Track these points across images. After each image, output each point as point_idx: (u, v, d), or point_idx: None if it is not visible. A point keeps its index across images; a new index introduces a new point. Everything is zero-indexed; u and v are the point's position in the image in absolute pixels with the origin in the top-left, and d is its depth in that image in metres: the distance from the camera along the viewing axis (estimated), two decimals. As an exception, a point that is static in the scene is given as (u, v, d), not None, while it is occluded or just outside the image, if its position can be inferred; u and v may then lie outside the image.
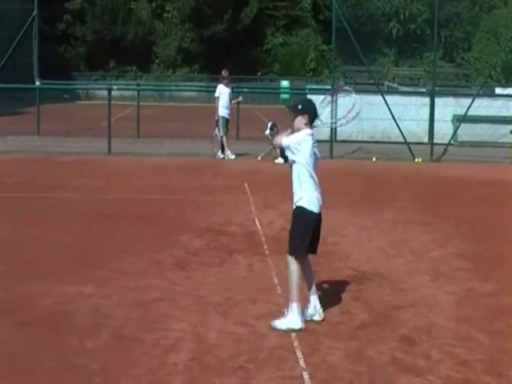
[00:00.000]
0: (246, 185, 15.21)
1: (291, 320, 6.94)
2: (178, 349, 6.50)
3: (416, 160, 20.39)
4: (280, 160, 18.93)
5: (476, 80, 44.29)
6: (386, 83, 36.55)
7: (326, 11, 50.91)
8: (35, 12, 22.54)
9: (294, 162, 7.07)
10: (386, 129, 22.82)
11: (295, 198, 7.13)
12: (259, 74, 53.15)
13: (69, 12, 52.49)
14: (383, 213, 12.73)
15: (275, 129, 19.23)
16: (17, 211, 12.36)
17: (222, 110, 19.73)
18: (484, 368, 6.25)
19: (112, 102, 20.94)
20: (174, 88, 47.50)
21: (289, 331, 6.87)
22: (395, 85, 35.97)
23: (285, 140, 7.12)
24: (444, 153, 20.88)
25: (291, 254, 7.05)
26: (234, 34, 52.06)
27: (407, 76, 42.61)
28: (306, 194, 7.06)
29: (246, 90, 32.85)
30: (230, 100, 20.05)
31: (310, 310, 7.24)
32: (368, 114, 23.43)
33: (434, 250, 10.32)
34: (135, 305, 7.63)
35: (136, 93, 29.57)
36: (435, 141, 21.42)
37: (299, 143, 7.02)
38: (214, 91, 20.31)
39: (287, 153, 7.17)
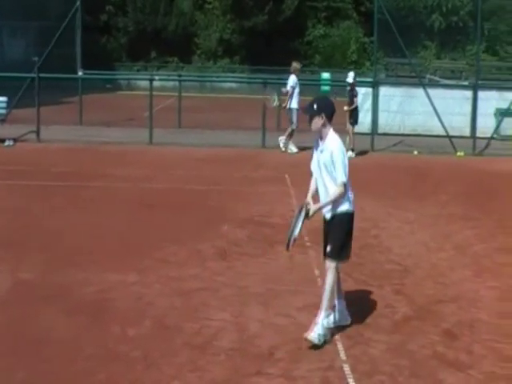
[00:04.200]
0: (286, 176, 15.19)
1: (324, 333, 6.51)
2: (219, 338, 6.53)
3: (458, 154, 20.18)
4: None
5: (520, 73, 43.68)
6: (428, 76, 36.17)
7: (367, 3, 50.52)
8: (78, 3, 22.70)
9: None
10: (428, 122, 22.55)
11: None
12: (300, 65, 53.01)
13: (111, 3, 52.76)
14: (425, 206, 12.63)
15: None
16: (62, 200, 12.49)
17: (295, 102, 19.65)
18: (528, 364, 6.20)
19: (153, 93, 21.04)
20: (215, 79, 47.54)
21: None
22: (437, 78, 35.60)
23: (344, 176, 6.46)
24: (486, 147, 20.64)
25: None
26: (275, 25, 51.89)
27: (449, 69, 42.14)
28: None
29: (287, 81, 32.75)
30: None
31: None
32: (409, 107, 23.29)
33: (477, 245, 10.22)
34: (177, 294, 7.69)
35: (177, 83, 29.61)
36: (477, 135, 21.16)
37: (344, 153, 6.59)
38: (256, 82, 20.29)
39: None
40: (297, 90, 19.69)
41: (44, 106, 20.55)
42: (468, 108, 22.32)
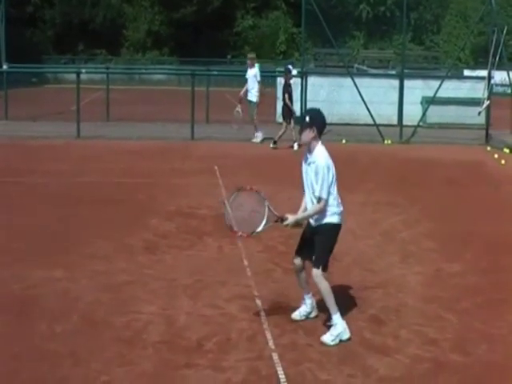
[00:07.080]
0: (215, 168, 15.18)
1: (340, 331, 6.41)
2: (148, 331, 6.50)
3: (385, 142, 20.48)
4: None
5: (445, 62, 44.55)
6: (356, 66, 36.61)
7: (295, -7, 50.86)
8: (2, -6, 22.27)
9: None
10: (356, 111, 22.83)
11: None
12: (229, 56, 53.01)
13: (37, -6, 51.93)
14: (352, 194, 12.71)
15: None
16: (-16, 196, 12.25)
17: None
18: (452, 346, 6.33)
19: (81, 86, 20.78)
20: (143, 71, 47.23)
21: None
22: (365, 67, 36.04)
23: (323, 193, 6.41)
24: (413, 135, 20.99)
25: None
26: (203, 16, 51.81)
27: (377, 58, 42.70)
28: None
29: (215, 72, 32.79)
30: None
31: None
32: (338, 97, 23.50)
33: (403, 231, 10.40)
34: (105, 288, 7.61)
35: (105, 76, 29.33)
36: (404, 123, 21.51)
37: (329, 169, 6.49)
38: (185, 74, 20.41)
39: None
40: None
41: (-33, 101, 20.13)
42: (395, 97, 22.64)
